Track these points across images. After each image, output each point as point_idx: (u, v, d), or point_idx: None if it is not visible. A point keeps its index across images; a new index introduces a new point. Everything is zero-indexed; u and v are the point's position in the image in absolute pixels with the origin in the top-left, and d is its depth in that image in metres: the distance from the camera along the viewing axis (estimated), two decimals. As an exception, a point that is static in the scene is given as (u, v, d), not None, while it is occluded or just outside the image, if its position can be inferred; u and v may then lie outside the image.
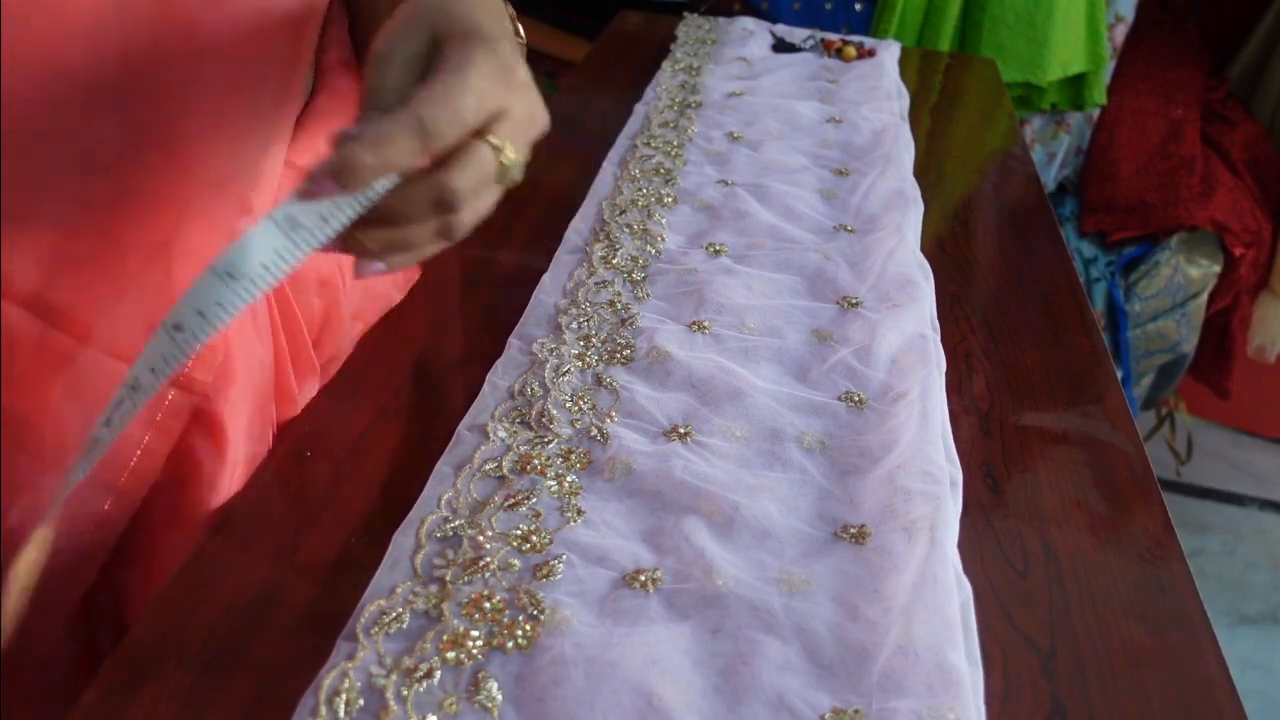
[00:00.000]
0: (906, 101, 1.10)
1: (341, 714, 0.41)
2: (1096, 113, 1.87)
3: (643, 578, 0.48)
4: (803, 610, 0.47)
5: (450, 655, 0.44)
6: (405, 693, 0.42)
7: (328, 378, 0.64)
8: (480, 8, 0.47)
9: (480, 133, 0.44)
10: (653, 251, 0.77)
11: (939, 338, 0.69)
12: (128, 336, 0.49)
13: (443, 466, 0.55)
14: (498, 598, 0.47)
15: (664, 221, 0.81)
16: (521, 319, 0.68)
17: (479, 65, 0.43)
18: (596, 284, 0.72)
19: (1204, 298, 1.82)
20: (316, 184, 0.40)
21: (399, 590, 0.47)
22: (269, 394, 0.58)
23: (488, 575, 0.48)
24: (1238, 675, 0.47)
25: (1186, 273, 1.79)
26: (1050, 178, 1.89)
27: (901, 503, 0.52)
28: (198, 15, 0.48)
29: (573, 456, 0.56)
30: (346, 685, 0.42)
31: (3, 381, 0.46)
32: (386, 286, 0.72)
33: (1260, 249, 1.81)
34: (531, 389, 0.61)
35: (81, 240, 0.48)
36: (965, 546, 0.52)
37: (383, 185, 0.41)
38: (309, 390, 0.62)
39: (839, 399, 0.62)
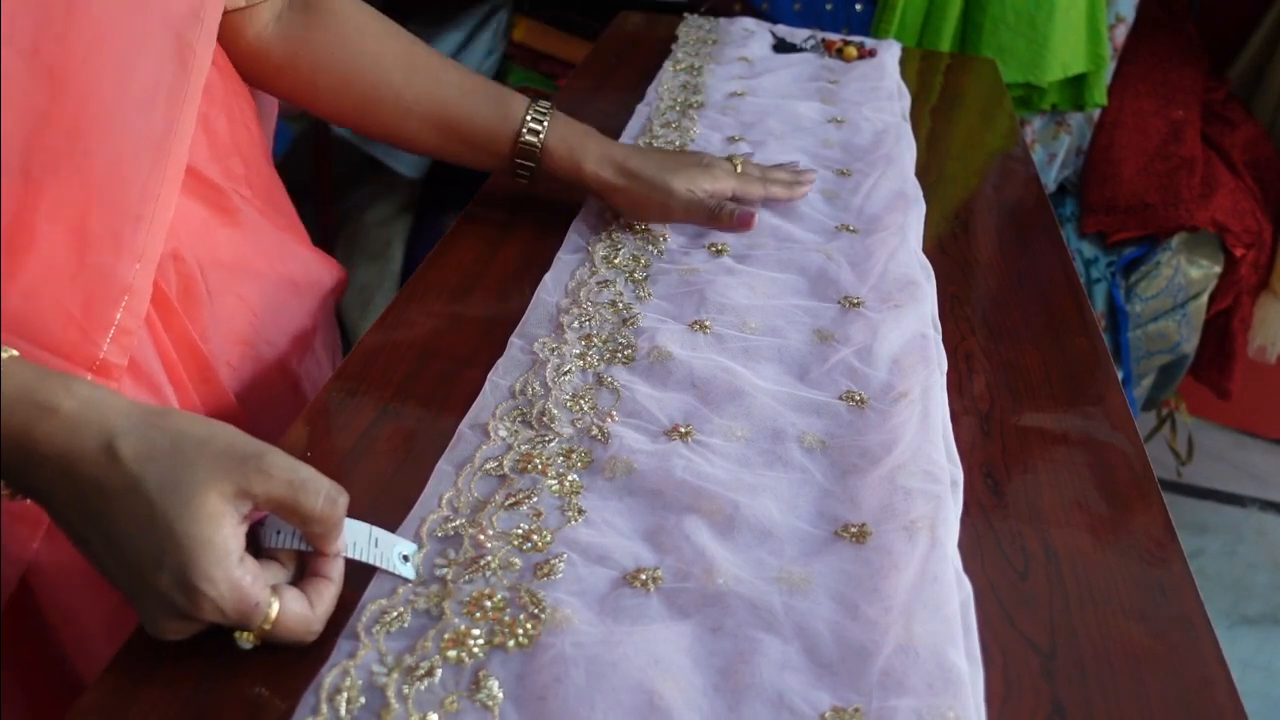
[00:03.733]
0: (908, 102, 1.10)
1: (342, 712, 0.41)
2: (1097, 113, 1.86)
3: (643, 577, 0.48)
4: (803, 609, 0.47)
5: (451, 654, 0.44)
6: (406, 691, 0.42)
7: (230, 360, 0.66)
8: None
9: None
10: (654, 251, 0.77)
11: (940, 338, 0.69)
12: (32, 316, 0.51)
13: (443, 465, 0.55)
14: (499, 596, 0.47)
15: (665, 221, 0.81)
16: (523, 318, 0.68)
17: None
18: (598, 283, 0.72)
19: (1204, 298, 1.82)
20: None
21: (400, 589, 0.47)
22: (155, 369, 0.59)
23: (489, 574, 0.48)
24: (1238, 676, 0.47)
25: (1187, 273, 1.79)
26: (1051, 178, 1.89)
27: (902, 502, 0.52)
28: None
29: (573, 456, 0.56)
30: (348, 683, 0.42)
31: None
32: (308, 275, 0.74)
33: (1261, 250, 1.81)
34: (533, 388, 0.61)
35: None
36: (965, 547, 0.52)
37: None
38: (190, 360, 0.63)
39: (840, 398, 0.62)
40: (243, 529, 0.42)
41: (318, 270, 0.76)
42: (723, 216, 0.78)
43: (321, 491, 0.43)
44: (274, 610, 0.42)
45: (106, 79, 0.52)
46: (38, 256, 0.51)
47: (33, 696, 0.57)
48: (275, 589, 0.43)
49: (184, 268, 0.62)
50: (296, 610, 0.43)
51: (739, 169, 0.82)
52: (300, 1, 0.72)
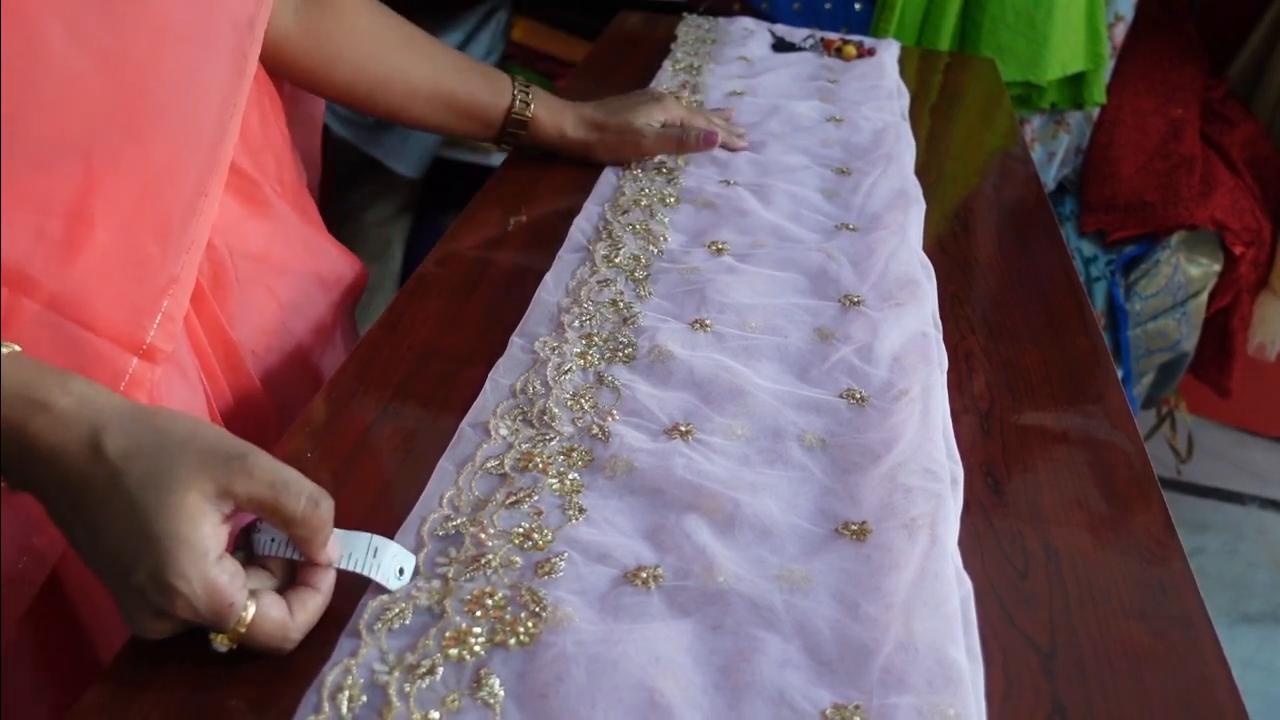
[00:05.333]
0: (907, 100, 1.10)
1: (344, 710, 0.41)
2: (1096, 112, 1.86)
3: (644, 575, 0.48)
4: (803, 607, 0.47)
5: (452, 652, 0.44)
6: (408, 689, 0.42)
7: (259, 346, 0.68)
8: None
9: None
10: (655, 250, 0.77)
11: (941, 336, 0.69)
12: (86, 301, 0.52)
13: (444, 464, 0.55)
14: (499, 595, 0.47)
15: (666, 220, 0.81)
16: (524, 317, 0.68)
17: None
18: (599, 283, 0.72)
19: (1204, 296, 1.82)
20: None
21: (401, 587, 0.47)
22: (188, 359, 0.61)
23: (489, 572, 0.48)
24: (1239, 674, 0.47)
25: (1186, 272, 1.79)
26: (1050, 177, 1.89)
27: (902, 500, 0.53)
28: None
29: (574, 454, 0.56)
30: (349, 682, 0.42)
31: None
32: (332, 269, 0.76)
33: (1260, 248, 1.81)
34: (533, 387, 0.61)
35: (55, 215, 0.51)
36: (966, 546, 0.52)
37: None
38: (219, 346, 0.64)
39: (840, 396, 0.62)
40: (224, 529, 0.42)
41: (341, 266, 0.78)
42: (690, 140, 0.91)
43: (304, 494, 0.43)
44: (249, 613, 0.42)
45: (168, 76, 0.54)
46: (95, 244, 0.52)
47: (64, 684, 0.57)
48: (254, 593, 0.43)
49: (215, 255, 0.64)
50: (273, 616, 0.43)
51: (684, 102, 0.99)
52: None
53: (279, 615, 0.43)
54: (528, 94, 0.87)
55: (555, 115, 0.89)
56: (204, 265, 0.63)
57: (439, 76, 0.82)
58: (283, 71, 0.76)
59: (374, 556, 0.47)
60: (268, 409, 0.68)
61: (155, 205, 0.55)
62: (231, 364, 0.65)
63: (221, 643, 0.42)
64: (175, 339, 0.56)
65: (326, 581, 0.46)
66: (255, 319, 0.68)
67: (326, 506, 0.44)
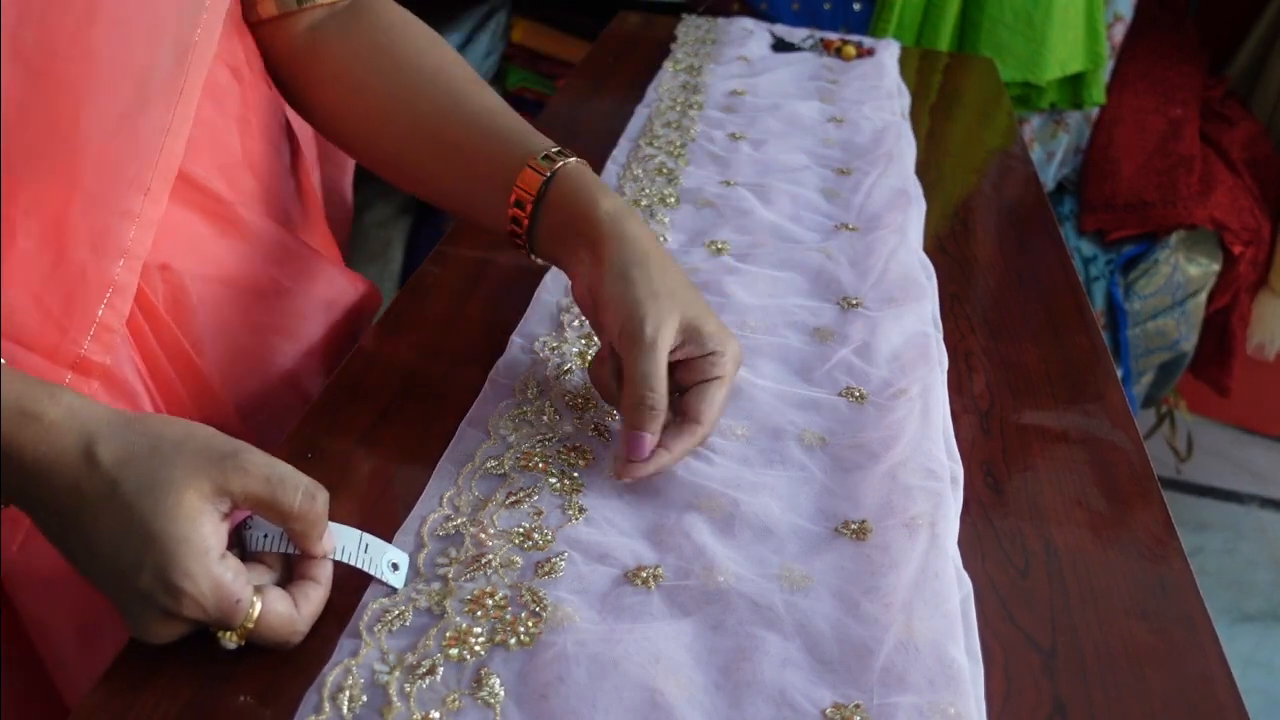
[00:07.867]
0: (907, 100, 1.11)
1: (345, 710, 0.41)
2: (1095, 112, 1.87)
3: (644, 574, 0.49)
4: (804, 606, 0.47)
5: (453, 652, 0.44)
6: (408, 689, 0.42)
7: (219, 365, 0.63)
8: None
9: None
10: (653, 250, 0.77)
11: (941, 336, 0.69)
12: (11, 313, 0.50)
13: (445, 464, 0.55)
14: (500, 595, 0.47)
15: (666, 221, 0.81)
16: (524, 317, 0.68)
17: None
18: (597, 283, 0.72)
19: (1203, 296, 1.82)
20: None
21: (402, 588, 0.47)
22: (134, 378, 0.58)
23: (490, 572, 0.48)
24: (1239, 673, 0.47)
25: (1186, 271, 1.80)
26: (1049, 177, 1.89)
27: (902, 499, 0.53)
28: None
29: (574, 454, 0.56)
30: (350, 682, 0.42)
31: None
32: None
33: (1259, 247, 1.81)
34: (533, 387, 0.61)
35: None
36: (966, 545, 0.52)
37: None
38: (185, 372, 0.61)
39: (840, 395, 0.62)
40: (224, 527, 0.42)
41: (342, 289, 0.74)
42: (631, 417, 0.53)
43: (300, 487, 0.43)
44: (256, 609, 0.42)
45: (96, 72, 0.50)
46: (16, 254, 0.50)
47: (13, 705, 0.57)
48: (259, 589, 0.43)
49: (172, 278, 0.59)
50: (280, 610, 0.43)
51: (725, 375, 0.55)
52: (345, 11, 0.66)
53: (285, 609, 0.43)
54: (553, 163, 0.59)
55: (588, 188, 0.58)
56: (159, 287, 0.58)
57: (447, 117, 0.64)
58: (290, 101, 0.69)
59: (365, 552, 0.47)
60: (247, 436, 0.64)
61: (85, 209, 0.51)
62: (201, 388, 0.62)
63: (230, 640, 0.42)
64: (113, 350, 0.54)
65: (325, 572, 0.46)
66: (227, 343, 0.64)
67: (322, 499, 0.44)
